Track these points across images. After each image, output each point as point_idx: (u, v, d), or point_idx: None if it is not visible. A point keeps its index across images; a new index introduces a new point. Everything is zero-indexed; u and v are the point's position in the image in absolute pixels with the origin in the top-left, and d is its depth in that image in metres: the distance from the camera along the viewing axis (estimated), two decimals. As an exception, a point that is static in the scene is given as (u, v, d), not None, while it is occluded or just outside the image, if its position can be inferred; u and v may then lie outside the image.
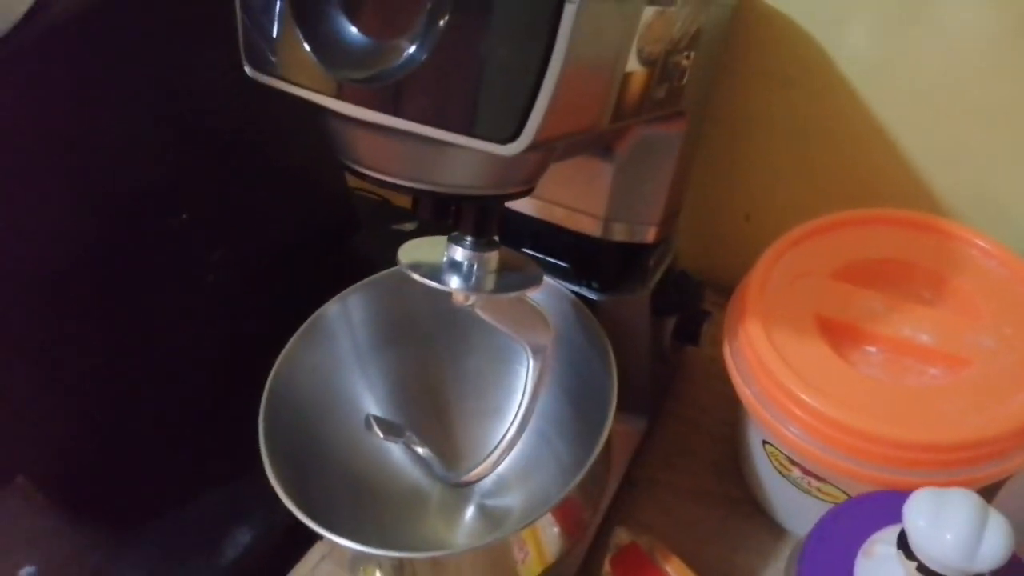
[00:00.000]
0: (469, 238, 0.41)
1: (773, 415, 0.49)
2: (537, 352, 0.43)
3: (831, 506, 0.47)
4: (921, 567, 0.36)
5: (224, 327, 0.62)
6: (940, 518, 0.35)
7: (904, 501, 0.41)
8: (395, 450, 0.61)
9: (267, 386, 0.49)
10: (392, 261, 0.48)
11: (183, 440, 0.59)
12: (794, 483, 0.54)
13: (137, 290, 0.56)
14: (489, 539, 0.44)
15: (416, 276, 0.40)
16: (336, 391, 0.56)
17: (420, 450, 0.49)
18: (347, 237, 0.82)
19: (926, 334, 0.49)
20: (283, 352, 0.51)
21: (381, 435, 0.50)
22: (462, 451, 0.63)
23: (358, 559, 0.52)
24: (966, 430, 0.44)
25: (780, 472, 0.54)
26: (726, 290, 0.62)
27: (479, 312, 0.43)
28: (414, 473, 0.62)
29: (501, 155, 0.33)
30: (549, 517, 0.47)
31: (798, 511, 0.56)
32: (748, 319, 0.52)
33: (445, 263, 0.41)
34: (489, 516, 0.61)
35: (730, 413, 0.67)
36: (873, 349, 0.51)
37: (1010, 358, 0.47)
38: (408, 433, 0.49)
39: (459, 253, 0.41)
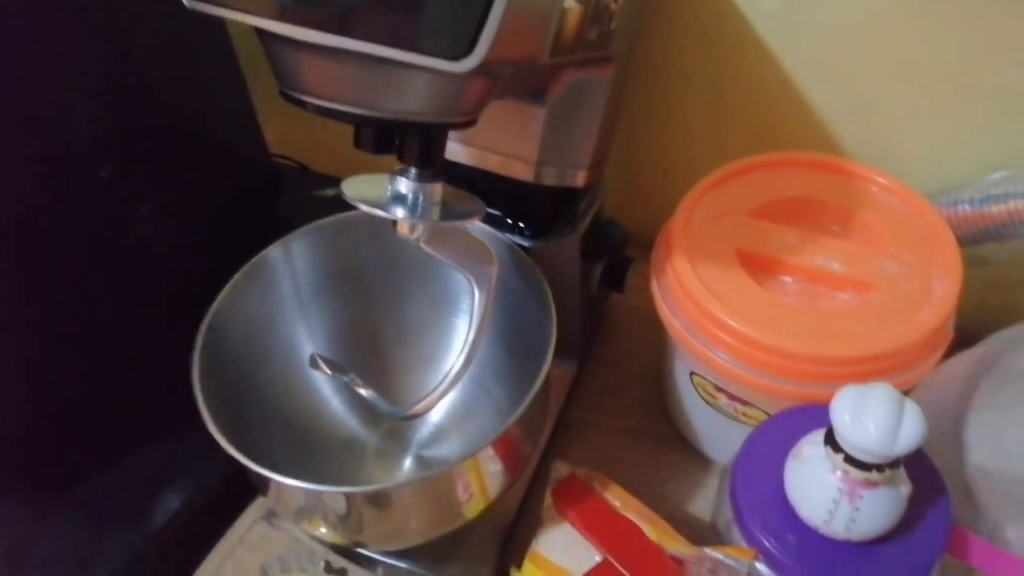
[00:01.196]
0: (413, 170, 0.41)
1: (701, 343, 0.52)
2: (482, 283, 0.44)
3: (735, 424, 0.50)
4: (848, 458, 0.39)
5: (147, 288, 0.60)
6: (863, 411, 0.38)
7: (823, 412, 0.45)
8: (333, 400, 0.60)
9: (202, 328, 0.48)
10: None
11: (105, 402, 0.57)
12: (720, 411, 0.57)
13: (57, 249, 0.53)
14: (435, 471, 0.44)
15: (363, 206, 0.40)
16: (275, 336, 0.56)
17: (363, 391, 0.49)
18: (268, 203, 0.80)
19: (836, 263, 0.53)
20: (221, 294, 0.50)
21: (328, 372, 0.50)
22: (400, 399, 0.63)
23: (303, 510, 0.51)
24: (876, 344, 0.48)
25: (707, 402, 0.57)
26: (645, 245, 0.65)
27: (424, 246, 0.43)
28: (351, 423, 0.61)
29: (451, 74, 0.33)
30: (491, 452, 0.48)
31: (724, 439, 0.59)
32: (674, 256, 0.54)
33: (389, 196, 0.42)
34: (427, 466, 0.62)
35: (654, 357, 0.70)
36: (789, 279, 0.54)
37: (911, 281, 0.52)
38: (351, 375, 0.49)
39: (404, 185, 0.41)
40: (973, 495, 0.48)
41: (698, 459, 0.64)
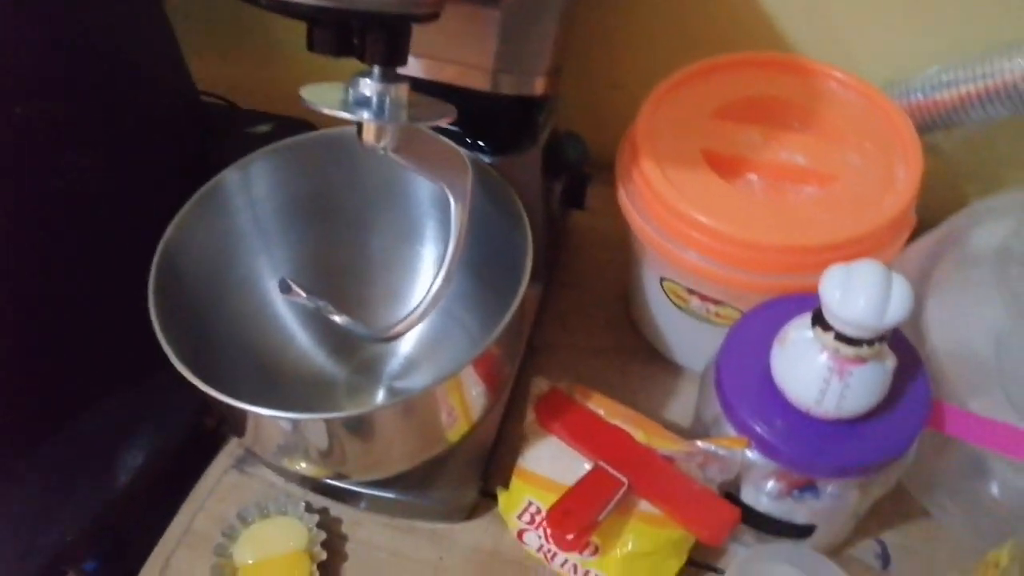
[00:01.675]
0: (377, 69, 0.38)
1: (673, 244, 0.51)
2: (458, 193, 0.42)
3: (723, 332, 0.50)
4: (838, 335, 0.39)
5: (83, 234, 0.56)
6: (851, 287, 0.38)
7: (801, 301, 0.45)
8: (299, 335, 0.58)
9: (155, 263, 0.45)
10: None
11: (56, 359, 0.53)
12: (692, 314, 0.57)
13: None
14: (417, 391, 0.43)
15: (325, 110, 0.37)
16: (235, 269, 0.53)
17: (337, 317, 0.47)
18: (197, 142, 0.76)
19: (800, 156, 0.53)
20: (171, 226, 0.47)
21: (303, 294, 0.47)
22: (364, 341, 0.61)
23: (283, 447, 0.49)
24: (843, 231, 0.49)
25: (678, 307, 0.57)
26: (595, 164, 0.64)
27: (393, 156, 0.41)
28: (320, 358, 0.59)
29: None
30: (471, 372, 0.47)
31: (695, 344, 0.60)
32: (641, 160, 0.53)
33: (352, 99, 0.39)
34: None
35: (616, 276, 0.70)
36: (755, 177, 0.54)
37: (872, 169, 0.52)
38: (324, 301, 0.47)
39: (368, 87, 0.39)
40: (935, 373, 0.50)
41: (669, 368, 0.65)
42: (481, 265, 0.57)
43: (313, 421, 0.44)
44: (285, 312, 0.57)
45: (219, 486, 0.59)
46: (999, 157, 0.66)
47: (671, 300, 0.58)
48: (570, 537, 0.46)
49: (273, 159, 0.53)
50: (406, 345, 0.61)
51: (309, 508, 0.56)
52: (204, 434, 0.60)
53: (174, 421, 0.59)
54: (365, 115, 0.38)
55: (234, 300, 0.53)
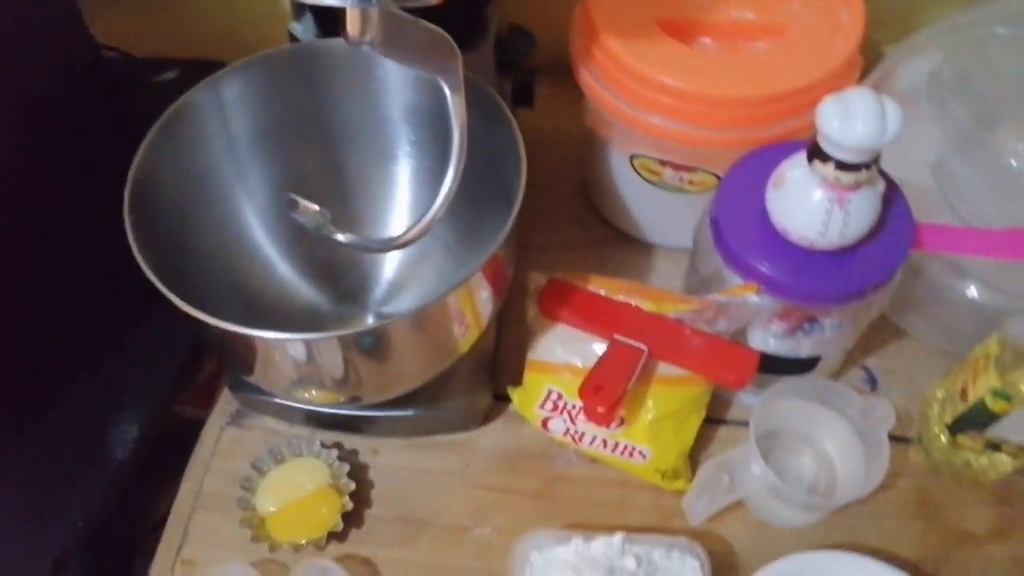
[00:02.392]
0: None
1: (643, 113, 0.52)
2: (453, 82, 0.41)
3: (703, 201, 0.52)
4: (839, 164, 0.41)
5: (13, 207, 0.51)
6: (848, 115, 0.40)
7: (780, 148, 0.47)
8: (280, 265, 0.56)
9: (127, 194, 0.42)
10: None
11: (34, 338, 0.49)
12: (665, 187, 0.58)
13: None
14: (431, 300, 0.42)
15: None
16: (211, 198, 0.50)
17: (341, 236, 0.45)
18: (101, 95, 0.70)
19: (749, 13, 0.55)
20: (140, 151, 0.43)
21: (315, 207, 0.45)
22: (348, 254, 0.59)
23: (296, 380, 0.48)
24: (803, 77, 0.51)
25: (651, 182, 0.58)
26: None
27: (380, 51, 0.39)
28: (303, 290, 0.57)
29: None
30: (481, 279, 0.46)
31: (670, 219, 0.62)
32: (600, 36, 0.53)
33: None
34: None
35: (571, 171, 0.70)
36: (708, 39, 0.55)
37: (818, 16, 0.54)
38: (329, 214, 0.45)
39: (346, -25, 0.36)
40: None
41: (642, 248, 0.66)
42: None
43: (327, 340, 0.42)
44: (265, 241, 0.55)
45: (220, 445, 0.57)
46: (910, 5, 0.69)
47: (643, 177, 0.58)
48: (602, 410, 0.48)
49: (242, 77, 0.49)
50: (388, 270, 0.60)
51: (324, 445, 0.55)
52: (192, 395, 0.58)
53: (159, 387, 0.55)
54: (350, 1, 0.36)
55: (212, 231, 0.50)
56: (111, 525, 0.55)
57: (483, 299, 0.49)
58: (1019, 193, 0.54)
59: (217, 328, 0.39)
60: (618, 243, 0.67)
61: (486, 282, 0.48)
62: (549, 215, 0.69)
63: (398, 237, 0.42)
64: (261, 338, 0.41)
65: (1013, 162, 0.53)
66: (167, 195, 0.46)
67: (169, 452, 0.57)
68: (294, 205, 0.44)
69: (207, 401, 0.59)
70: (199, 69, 0.71)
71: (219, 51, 0.61)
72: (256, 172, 0.52)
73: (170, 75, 0.77)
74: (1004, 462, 0.53)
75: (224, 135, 0.50)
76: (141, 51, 0.77)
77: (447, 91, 0.41)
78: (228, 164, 0.51)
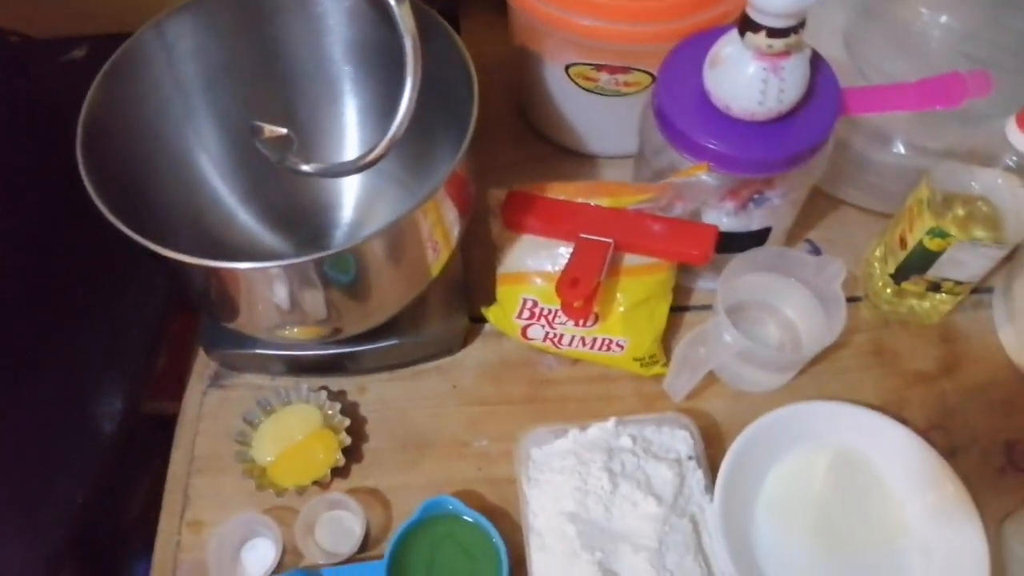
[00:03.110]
0: None
1: (579, 17, 0.54)
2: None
3: (640, 102, 0.54)
4: (769, 31, 0.44)
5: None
6: (773, -19, 0.42)
7: (707, 36, 0.49)
8: (240, 212, 0.56)
9: (79, 134, 0.41)
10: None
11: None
12: (602, 92, 0.60)
13: None
14: (398, 216, 0.43)
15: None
16: (165, 144, 0.49)
17: (305, 166, 0.45)
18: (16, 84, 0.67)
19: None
20: (90, 93, 0.42)
21: (281, 131, 0.44)
22: (306, 211, 0.60)
23: (277, 317, 0.48)
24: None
25: (588, 89, 0.60)
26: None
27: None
28: (263, 236, 0.57)
29: None
30: (445, 196, 0.47)
31: (608, 125, 0.63)
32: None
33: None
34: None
35: (505, 95, 0.71)
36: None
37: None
38: (294, 144, 0.45)
39: None
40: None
41: (584, 161, 0.68)
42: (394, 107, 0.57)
43: (304, 265, 0.43)
44: (224, 190, 0.55)
45: (204, 408, 0.57)
46: None
47: (580, 86, 0.60)
48: (579, 303, 0.50)
49: (186, 17, 0.48)
50: (347, 212, 0.60)
51: (311, 389, 0.55)
52: (171, 360, 0.57)
53: (136, 354, 0.55)
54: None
55: (171, 181, 0.50)
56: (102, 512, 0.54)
57: (450, 219, 0.50)
58: (923, 54, 0.58)
59: (202, 270, 0.39)
60: (561, 158, 0.68)
61: (451, 200, 0.49)
62: (489, 140, 0.70)
63: (363, 156, 0.42)
64: (244, 272, 0.41)
65: (917, 24, 0.57)
66: (122, 144, 0.45)
67: (138, 451, 0.57)
68: (259, 132, 0.44)
69: (166, 394, 0.59)
70: (107, 44, 0.69)
71: (130, 24, 0.60)
72: (208, 117, 0.51)
73: (79, 53, 0.75)
74: (945, 300, 0.57)
75: (172, 78, 0.49)
76: (43, 32, 0.74)
77: (392, 1, 0.41)
78: (179, 109, 0.51)
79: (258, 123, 0.44)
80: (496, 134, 0.71)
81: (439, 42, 0.50)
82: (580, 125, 0.65)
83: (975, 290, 0.61)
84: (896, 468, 0.50)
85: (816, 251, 0.63)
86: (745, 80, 0.46)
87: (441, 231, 0.50)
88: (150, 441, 0.57)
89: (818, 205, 0.65)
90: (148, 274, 0.56)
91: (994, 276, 0.61)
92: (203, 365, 0.58)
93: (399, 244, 0.47)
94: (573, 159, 0.68)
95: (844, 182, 0.63)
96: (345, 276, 0.46)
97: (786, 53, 0.45)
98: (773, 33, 0.44)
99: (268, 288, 0.44)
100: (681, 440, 0.50)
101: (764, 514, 0.50)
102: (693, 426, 0.51)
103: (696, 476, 0.49)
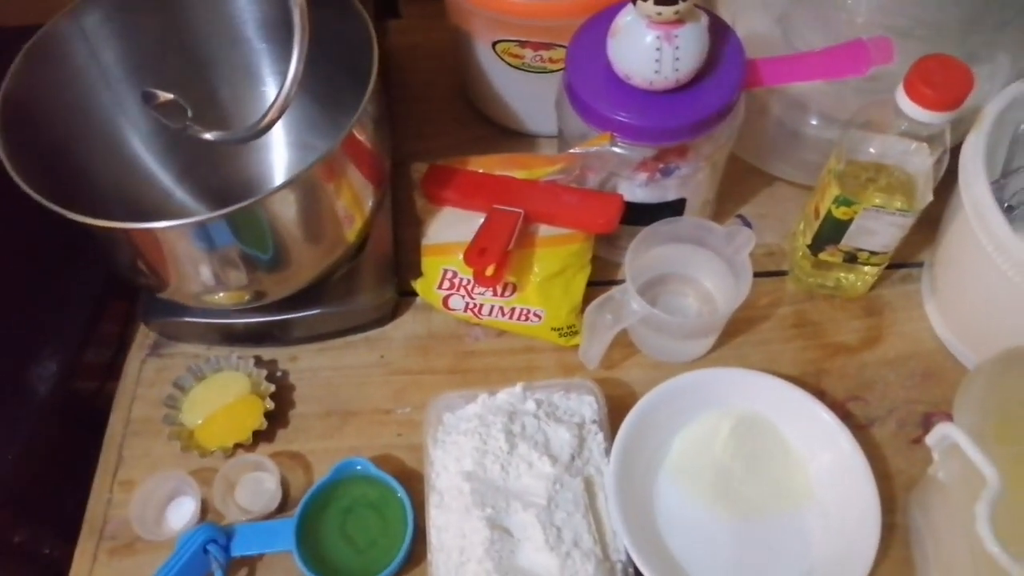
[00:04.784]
0: None
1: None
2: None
3: (558, 77, 0.55)
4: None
5: None
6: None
7: (616, 9, 0.50)
8: (177, 194, 0.58)
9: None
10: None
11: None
12: (529, 69, 0.61)
13: None
14: (301, 170, 0.45)
15: None
16: (94, 130, 0.51)
17: (208, 134, 0.47)
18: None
19: None
20: (7, 79, 0.45)
21: (171, 96, 0.47)
22: (237, 189, 0.62)
23: (202, 281, 0.50)
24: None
25: (515, 66, 0.62)
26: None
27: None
28: (199, 211, 0.59)
29: None
30: (343, 157, 0.49)
31: (540, 103, 0.64)
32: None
33: None
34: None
35: (448, 79, 0.73)
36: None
37: None
38: (188, 122, 0.47)
39: None
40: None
41: (524, 140, 0.69)
42: (325, 89, 0.58)
43: (214, 221, 0.44)
44: (158, 171, 0.58)
45: (143, 375, 0.59)
46: None
47: (507, 63, 0.62)
48: (490, 271, 0.51)
49: (102, 4, 0.51)
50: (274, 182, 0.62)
51: (240, 358, 0.57)
52: (108, 327, 0.60)
53: (74, 323, 0.57)
54: None
55: (103, 163, 0.52)
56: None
57: (357, 185, 0.52)
58: (853, 29, 0.58)
59: (122, 235, 0.42)
60: (503, 139, 0.70)
61: (355, 166, 0.50)
62: (433, 122, 0.72)
63: (258, 122, 0.44)
64: (159, 232, 0.43)
65: (847, 4, 0.58)
66: (48, 127, 0.48)
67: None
68: (152, 98, 0.46)
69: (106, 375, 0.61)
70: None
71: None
72: (136, 101, 0.54)
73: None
74: (868, 273, 0.58)
75: (95, 64, 0.52)
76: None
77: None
78: (105, 93, 0.53)
79: (149, 89, 0.46)
80: (440, 115, 0.72)
81: (346, 18, 0.51)
82: (514, 104, 0.66)
83: (903, 264, 0.61)
84: (797, 431, 0.50)
85: (748, 226, 0.64)
86: (641, 49, 0.47)
87: (350, 196, 0.51)
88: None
89: (751, 180, 0.66)
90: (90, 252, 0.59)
91: (924, 251, 0.61)
92: (143, 335, 0.61)
93: (304, 203, 0.48)
94: (514, 139, 0.70)
95: (774, 156, 0.64)
96: (256, 235, 0.47)
97: (679, 22, 0.46)
98: (661, 0, 0.45)
99: (185, 249, 0.46)
100: (587, 405, 0.51)
101: (668, 478, 0.50)
102: (599, 392, 0.52)
103: (597, 440, 0.50)
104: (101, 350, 0.59)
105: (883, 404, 0.56)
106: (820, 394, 0.54)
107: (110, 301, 0.60)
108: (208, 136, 0.47)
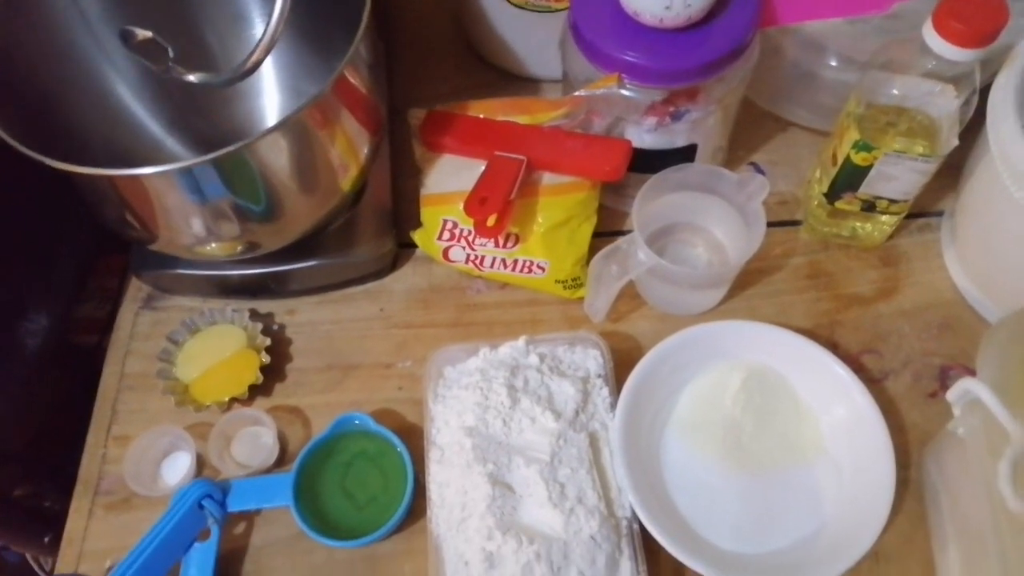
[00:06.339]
0: None
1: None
2: None
3: (563, 16, 0.52)
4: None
5: None
6: None
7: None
8: (168, 143, 0.56)
9: None
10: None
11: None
12: (534, 8, 0.59)
13: None
14: (291, 112, 0.42)
15: None
16: (82, 77, 0.50)
17: (191, 76, 0.45)
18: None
19: None
20: None
21: (150, 34, 0.44)
22: (229, 137, 0.59)
23: (195, 232, 0.48)
24: None
25: (519, 6, 0.59)
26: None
27: None
28: (176, 150, 0.57)
29: None
30: (335, 100, 0.46)
31: (543, 45, 0.61)
32: None
33: None
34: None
35: (446, 25, 0.70)
36: None
37: None
38: (170, 64, 0.45)
39: None
40: None
41: (527, 85, 0.67)
42: (319, 35, 0.56)
43: (202, 167, 0.42)
44: (147, 119, 0.56)
45: (137, 328, 0.58)
46: None
47: (511, 3, 0.59)
48: (491, 221, 0.49)
49: None
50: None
51: (235, 311, 0.56)
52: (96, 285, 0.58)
53: (63, 282, 0.56)
54: None
55: (91, 113, 0.50)
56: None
57: (351, 131, 0.49)
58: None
59: (105, 182, 0.40)
60: (505, 84, 0.67)
61: (348, 111, 0.48)
62: (433, 67, 0.69)
63: (243, 63, 0.42)
64: (146, 178, 0.41)
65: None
66: (30, 75, 0.46)
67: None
68: (131, 37, 0.43)
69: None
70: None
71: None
72: (118, 46, 0.51)
73: None
74: (886, 222, 0.55)
75: (74, 6, 0.49)
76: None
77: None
78: (88, 40, 0.51)
79: (128, 28, 0.43)
80: (440, 61, 0.70)
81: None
82: (517, 46, 0.63)
83: (922, 213, 0.59)
84: (809, 385, 0.49)
85: (761, 174, 0.62)
86: (650, -14, 0.45)
87: (344, 143, 0.49)
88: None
89: (764, 126, 0.63)
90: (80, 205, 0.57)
91: (945, 199, 0.59)
92: (136, 288, 0.59)
93: (295, 149, 0.46)
94: (516, 84, 0.67)
95: (789, 101, 0.61)
96: (246, 183, 0.45)
97: (691, -46, 0.43)
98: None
99: (173, 198, 0.44)
100: (592, 359, 0.50)
101: (675, 434, 0.49)
102: (604, 345, 0.50)
103: (602, 394, 0.48)
104: (98, 304, 0.58)
105: (898, 357, 0.54)
106: (833, 347, 0.52)
107: (105, 255, 0.59)
108: (192, 78, 0.45)
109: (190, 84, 0.47)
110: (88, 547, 0.50)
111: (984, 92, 0.47)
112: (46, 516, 0.59)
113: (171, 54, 0.45)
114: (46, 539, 0.59)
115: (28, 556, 0.66)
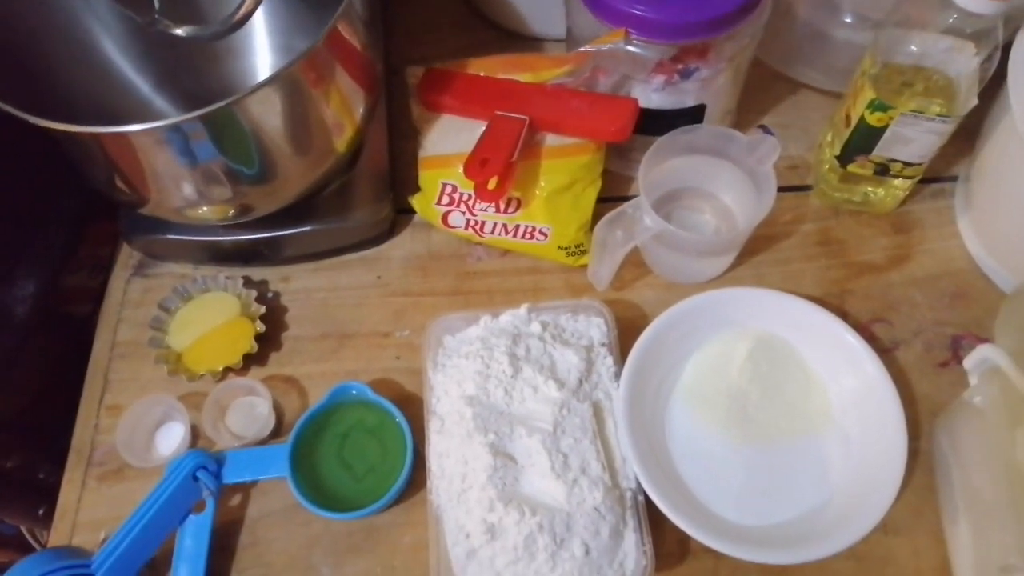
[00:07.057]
0: None
1: None
2: None
3: None
4: None
5: None
6: None
7: None
8: (157, 103, 0.54)
9: None
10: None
11: None
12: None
13: None
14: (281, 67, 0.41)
15: None
16: (69, 34, 0.48)
17: (179, 30, 0.43)
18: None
19: None
20: None
21: None
22: (218, 96, 0.57)
23: (185, 192, 0.46)
24: None
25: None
26: None
27: None
28: (165, 109, 0.56)
29: None
30: (327, 55, 0.44)
31: (546, 1, 0.60)
32: None
33: None
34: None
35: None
36: None
37: None
38: (156, 15, 0.43)
39: None
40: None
41: (529, 44, 0.65)
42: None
43: (190, 124, 0.41)
44: (135, 78, 0.54)
45: (128, 296, 0.56)
46: None
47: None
48: (492, 185, 0.47)
49: None
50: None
51: (228, 278, 0.54)
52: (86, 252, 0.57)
53: (49, 245, 0.54)
54: None
55: (76, 70, 0.49)
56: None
57: (346, 89, 0.47)
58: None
59: (91, 140, 0.38)
60: (506, 42, 0.65)
61: (342, 68, 0.46)
62: (433, 27, 0.67)
63: (232, 14, 0.40)
64: (133, 136, 0.40)
65: None
66: (10, 31, 0.44)
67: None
68: None
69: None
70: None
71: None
72: (108, 7, 0.50)
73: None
74: (898, 187, 0.54)
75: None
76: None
77: None
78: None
79: None
80: (441, 20, 0.67)
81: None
82: (519, 2, 0.61)
83: (936, 179, 0.57)
84: (818, 354, 0.48)
85: (769, 133, 0.60)
86: (659, -67, 0.42)
87: (338, 101, 0.47)
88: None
89: (775, 88, 0.61)
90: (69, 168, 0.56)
91: (959, 164, 0.57)
92: (127, 255, 0.58)
93: (287, 106, 0.44)
94: (518, 43, 0.65)
95: (800, 62, 0.59)
96: (237, 142, 0.43)
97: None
98: None
99: (162, 158, 0.43)
100: (596, 327, 0.48)
101: (680, 403, 0.48)
102: (608, 313, 0.49)
103: (606, 363, 0.47)
104: (91, 273, 0.56)
105: (909, 326, 0.53)
106: (843, 315, 0.51)
107: (97, 222, 0.57)
108: (179, 31, 0.43)
109: (179, 40, 0.45)
110: (82, 519, 0.49)
111: (1006, 50, 0.45)
112: (40, 488, 0.58)
113: (156, 5, 0.43)
114: (40, 511, 0.58)
115: (23, 528, 0.66)
